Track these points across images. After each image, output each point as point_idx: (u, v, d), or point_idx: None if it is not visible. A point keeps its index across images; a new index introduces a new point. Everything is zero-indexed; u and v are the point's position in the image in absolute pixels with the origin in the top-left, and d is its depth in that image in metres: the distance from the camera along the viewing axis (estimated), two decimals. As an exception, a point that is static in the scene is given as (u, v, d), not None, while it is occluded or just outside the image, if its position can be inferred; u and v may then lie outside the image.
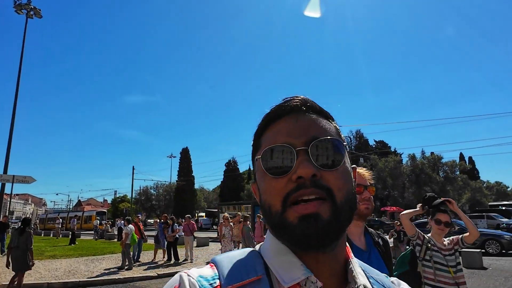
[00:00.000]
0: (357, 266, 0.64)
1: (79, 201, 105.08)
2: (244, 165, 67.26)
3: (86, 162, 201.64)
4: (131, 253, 12.73)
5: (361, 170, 1.68)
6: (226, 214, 12.46)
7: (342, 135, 0.67)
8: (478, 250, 11.65)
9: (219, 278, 0.59)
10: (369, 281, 0.64)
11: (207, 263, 0.65)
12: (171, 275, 9.55)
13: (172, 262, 12.79)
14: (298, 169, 0.56)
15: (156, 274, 10.22)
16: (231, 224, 12.40)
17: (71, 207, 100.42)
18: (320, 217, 0.54)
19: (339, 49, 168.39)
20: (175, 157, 74.09)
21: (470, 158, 64.28)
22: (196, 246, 18.20)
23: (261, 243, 0.68)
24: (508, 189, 59.68)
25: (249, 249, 0.66)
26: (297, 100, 0.64)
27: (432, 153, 39.74)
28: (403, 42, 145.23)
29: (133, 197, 45.77)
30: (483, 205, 41.30)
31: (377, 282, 0.66)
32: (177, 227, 13.26)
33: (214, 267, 0.62)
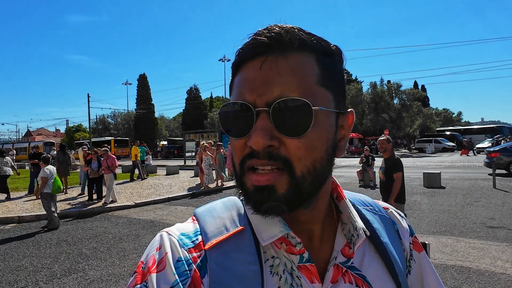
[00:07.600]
0: (351, 206, 0.61)
1: (28, 131, 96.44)
2: (206, 93, 65.87)
3: (32, 89, 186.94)
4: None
5: None
6: (204, 142, 12.20)
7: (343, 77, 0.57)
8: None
9: (201, 234, 0.56)
10: (362, 213, 0.64)
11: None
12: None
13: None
14: (251, 137, 0.49)
15: (134, 203, 10.09)
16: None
17: (20, 137, 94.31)
18: (275, 191, 0.49)
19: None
20: (131, 84, 70.61)
21: (422, 86, 68.23)
22: (166, 174, 18.20)
23: None
24: (453, 116, 64.71)
25: (231, 199, 0.63)
26: (266, 35, 0.51)
27: (388, 81, 40.82)
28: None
29: (90, 126, 43.44)
30: (432, 130, 44.59)
31: (369, 211, 0.66)
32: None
33: (196, 221, 0.59)
